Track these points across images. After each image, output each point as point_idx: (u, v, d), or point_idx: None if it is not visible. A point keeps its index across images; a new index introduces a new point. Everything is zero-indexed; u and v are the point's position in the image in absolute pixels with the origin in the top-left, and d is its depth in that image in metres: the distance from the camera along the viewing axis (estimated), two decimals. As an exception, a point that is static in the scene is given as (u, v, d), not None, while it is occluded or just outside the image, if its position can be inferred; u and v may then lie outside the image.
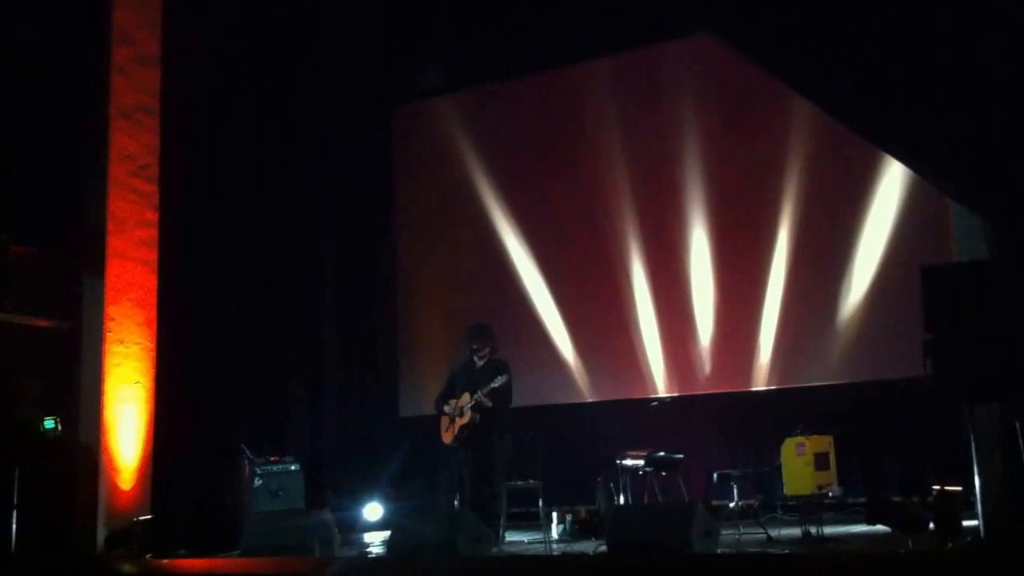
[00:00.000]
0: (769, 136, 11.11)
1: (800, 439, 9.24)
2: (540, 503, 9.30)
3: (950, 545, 6.83)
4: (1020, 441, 6.64)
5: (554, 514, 9.84)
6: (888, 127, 7.08)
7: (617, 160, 11.83)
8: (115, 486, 9.22)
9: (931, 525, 7.17)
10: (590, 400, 11.86)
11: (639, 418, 11.22)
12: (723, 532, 7.85)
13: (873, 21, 6.12)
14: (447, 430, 9.14)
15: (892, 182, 10.47)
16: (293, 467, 10.20)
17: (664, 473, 9.68)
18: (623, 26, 11.39)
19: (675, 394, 11.33)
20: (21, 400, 9.18)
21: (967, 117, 6.23)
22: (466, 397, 8.98)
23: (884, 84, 6.42)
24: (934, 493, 7.51)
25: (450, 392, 9.21)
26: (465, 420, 8.94)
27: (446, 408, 9.12)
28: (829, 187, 10.86)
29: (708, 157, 11.37)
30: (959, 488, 7.40)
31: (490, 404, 8.79)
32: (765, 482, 9.92)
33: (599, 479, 10.10)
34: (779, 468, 9.38)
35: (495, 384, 8.73)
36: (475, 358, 9.15)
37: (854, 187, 10.66)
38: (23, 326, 9.22)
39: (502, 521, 8.99)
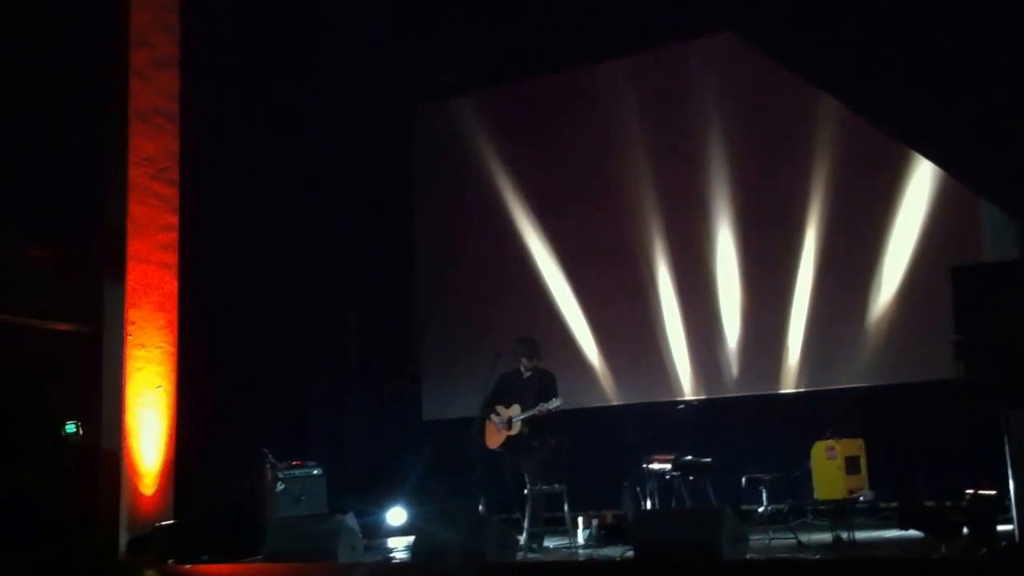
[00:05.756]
0: (795, 135, 10.98)
1: (830, 442, 9.10)
2: (566, 507, 9.32)
3: (984, 551, 6.73)
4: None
5: (580, 519, 9.76)
6: (917, 126, 6.99)
7: (641, 160, 11.74)
8: (137, 491, 9.18)
9: (965, 530, 7.08)
10: (616, 403, 11.76)
11: (666, 422, 11.07)
12: (752, 537, 7.79)
13: (900, 18, 6.02)
14: (494, 434, 9.76)
15: (921, 181, 10.32)
16: (316, 472, 10.21)
17: (692, 477, 9.60)
18: (645, 24, 11.29)
19: (702, 397, 11.23)
20: (43, 405, 9.17)
21: (998, 116, 6.13)
22: (516, 408, 9.67)
23: (913, 82, 6.31)
24: (968, 497, 7.42)
25: (497, 398, 9.81)
26: (515, 432, 9.62)
27: (493, 416, 9.72)
28: (857, 186, 10.72)
29: (733, 157, 11.26)
30: (993, 492, 7.30)
31: (546, 417, 9.55)
32: (795, 486, 9.78)
33: (625, 484, 10.03)
34: (809, 472, 9.24)
35: (551, 406, 9.48)
36: (521, 368, 9.88)
37: (882, 186, 10.53)
38: (44, 330, 9.20)
39: (539, 525, 9.42)
